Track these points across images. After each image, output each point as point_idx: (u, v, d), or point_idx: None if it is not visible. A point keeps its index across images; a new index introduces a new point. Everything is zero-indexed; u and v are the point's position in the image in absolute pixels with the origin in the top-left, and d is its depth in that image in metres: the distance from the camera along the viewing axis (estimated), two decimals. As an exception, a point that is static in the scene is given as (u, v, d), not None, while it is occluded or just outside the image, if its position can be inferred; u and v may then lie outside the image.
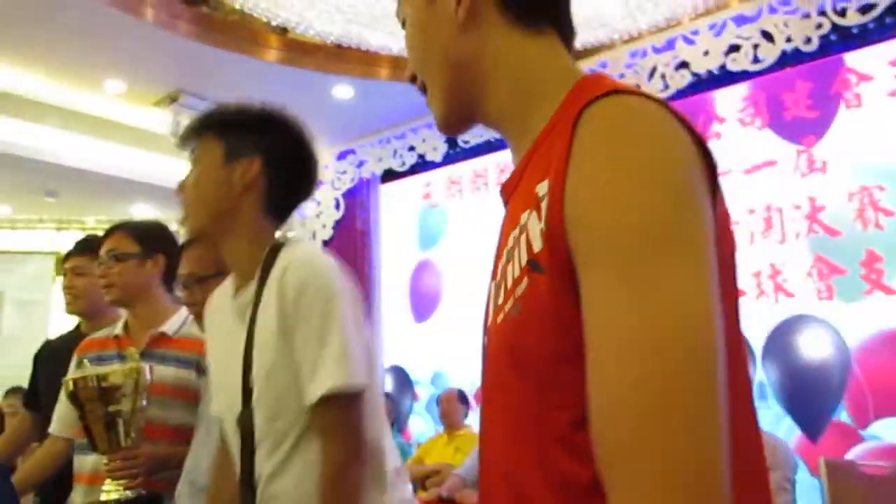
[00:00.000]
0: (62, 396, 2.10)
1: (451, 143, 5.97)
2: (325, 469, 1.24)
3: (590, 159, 0.63)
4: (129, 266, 2.08)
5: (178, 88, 5.40)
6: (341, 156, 6.61)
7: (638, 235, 0.60)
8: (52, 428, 2.15)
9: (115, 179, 6.02)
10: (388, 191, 6.65)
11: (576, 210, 0.63)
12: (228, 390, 1.36)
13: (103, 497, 1.75)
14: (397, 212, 6.52)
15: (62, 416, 2.14)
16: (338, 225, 6.75)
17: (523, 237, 0.70)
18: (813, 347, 4.14)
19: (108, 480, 1.78)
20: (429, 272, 6.10)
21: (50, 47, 4.82)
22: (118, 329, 2.13)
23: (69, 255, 2.52)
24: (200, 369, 2.01)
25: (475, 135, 5.82)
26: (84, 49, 4.83)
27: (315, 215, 6.90)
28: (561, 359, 0.65)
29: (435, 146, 5.99)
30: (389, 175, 6.47)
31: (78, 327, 2.55)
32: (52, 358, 2.55)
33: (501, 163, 5.72)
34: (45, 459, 2.16)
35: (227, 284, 1.48)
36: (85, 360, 1.93)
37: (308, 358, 1.25)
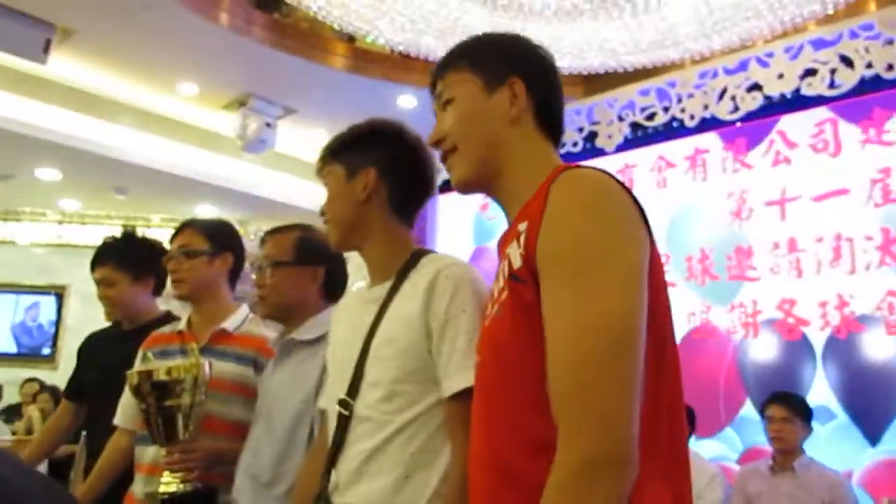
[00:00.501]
0: (126, 389, 2.14)
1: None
2: (456, 463, 1.28)
3: (554, 207, 0.96)
4: (199, 262, 2.11)
5: (248, 92, 5.53)
6: (401, 165, 6.66)
7: (578, 256, 0.92)
8: (116, 419, 2.19)
9: (182, 179, 6.18)
10: (445, 201, 6.65)
11: (543, 239, 0.95)
12: (342, 374, 1.43)
13: (161, 489, 1.78)
14: (453, 223, 6.51)
15: (126, 408, 2.18)
16: (393, 233, 6.77)
17: (506, 262, 1.02)
18: (875, 347, 4.00)
19: (166, 472, 1.81)
20: (485, 257, 6.08)
21: (128, 49, 5.00)
22: (182, 325, 2.16)
23: (94, 266, 2.51)
24: (258, 366, 2.04)
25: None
26: (160, 51, 4.99)
27: (372, 223, 6.95)
28: (528, 342, 0.94)
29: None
30: (448, 185, 6.46)
31: (119, 322, 2.59)
32: (93, 350, 2.59)
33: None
34: (115, 456, 2.18)
35: (361, 286, 1.60)
36: (149, 354, 1.97)
37: (457, 351, 1.31)
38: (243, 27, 4.72)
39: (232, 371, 2.02)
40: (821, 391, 4.09)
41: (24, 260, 7.87)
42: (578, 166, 1.03)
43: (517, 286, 0.97)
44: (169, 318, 2.50)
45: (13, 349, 7.75)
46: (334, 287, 1.95)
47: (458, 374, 1.29)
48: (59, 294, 7.86)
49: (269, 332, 2.19)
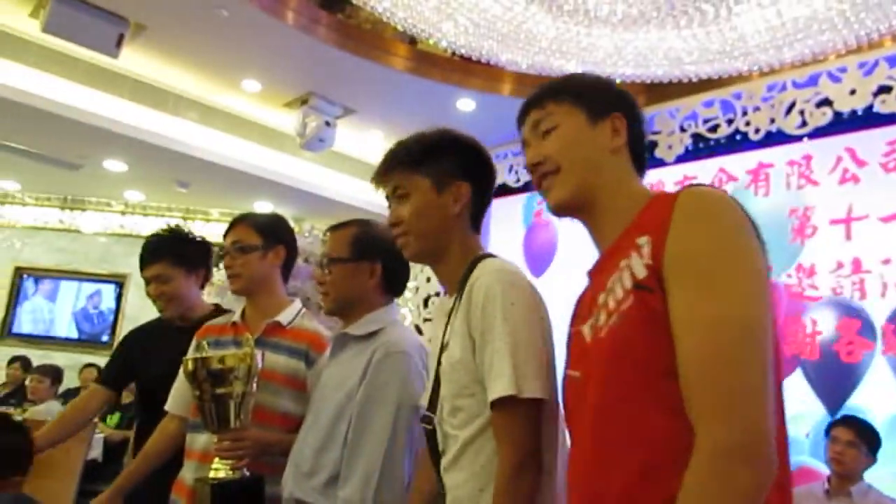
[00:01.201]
0: (180, 376, 2.18)
1: (569, 165, 5.91)
2: (498, 473, 1.31)
3: (685, 220, 1.04)
4: (253, 257, 2.14)
5: (309, 91, 5.60)
6: (457, 169, 6.66)
7: (711, 259, 1.00)
8: (168, 406, 2.24)
9: (242, 175, 6.28)
10: (499, 205, 6.64)
11: (674, 248, 1.02)
12: (426, 389, 1.51)
13: (211, 474, 1.81)
14: (507, 227, 6.49)
15: (177, 394, 2.22)
16: (447, 237, 6.79)
17: (626, 273, 1.08)
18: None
19: (216, 459, 1.84)
20: (540, 231, 6.04)
21: (197, 45, 5.11)
22: (236, 316, 2.20)
23: (147, 265, 2.49)
24: (310, 360, 2.07)
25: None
26: (227, 49, 5.09)
27: (425, 226, 6.97)
28: (656, 347, 1.00)
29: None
30: (503, 190, 6.45)
31: (169, 318, 2.55)
32: (148, 344, 2.58)
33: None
34: (162, 440, 2.22)
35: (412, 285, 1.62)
36: (203, 343, 2.01)
37: (492, 362, 1.33)
38: (309, 26, 4.78)
39: (284, 364, 2.05)
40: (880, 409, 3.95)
41: (88, 248, 8.12)
42: (699, 185, 1.12)
43: (644, 295, 1.04)
44: (218, 311, 2.53)
45: (74, 335, 8.00)
46: (393, 282, 1.96)
47: (498, 381, 1.30)
48: (120, 283, 8.08)
49: (322, 327, 2.21)
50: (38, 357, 6.84)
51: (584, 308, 1.20)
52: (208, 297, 5.74)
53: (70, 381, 6.59)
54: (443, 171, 1.52)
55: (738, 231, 1.03)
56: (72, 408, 2.67)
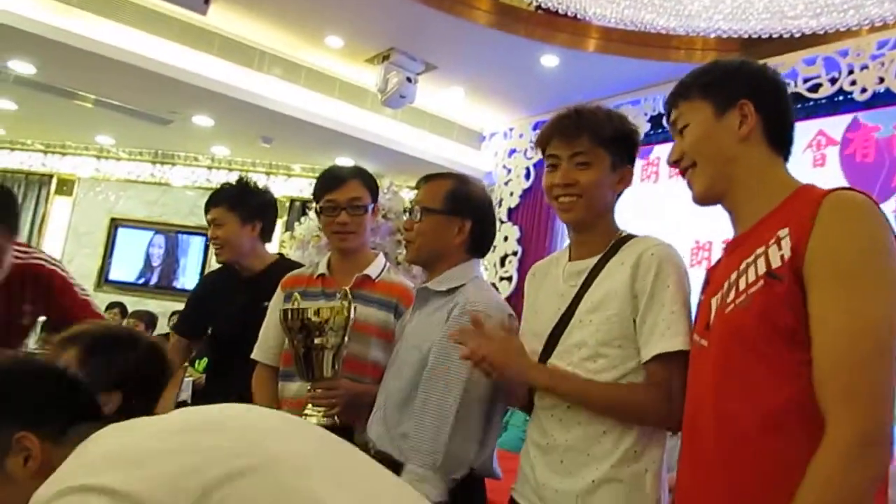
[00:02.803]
0: (266, 325, 2.24)
1: (655, 123, 5.69)
2: (654, 408, 1.48)
3: (831, 221, 1.12)
4: (366, 216, 2.19)
5: (391, 47, 5.58)
6: (537, 126, 6.56)
7: (853, 264, 1.09)
8: (255, 354, 2.26)
9: (324, 130, 6.35)
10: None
11: (818, 247, 1.11)
12: (538, 335, 1.63)
13: (304, 419, 1.86)
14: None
15: (264, 345, 2.25)
16: (525, 193, 6.75)
17: (761, 260, 1.18)
18: None
19: (309, 405, 1.89)
20: None
21: (282, 1, 5.15)
22: (322, 268, 2.22)
23: (208, 207, 2.64)
24: (398, 313, 2.11)
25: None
26: (312, 4, 5.13)
27: (504, 182, 6.94)
28: (777, 331, 1.13)
29: (636, 124, 5.72)
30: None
31: (231, 267, 2.67)
32: (217, 294, 2.68)
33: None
34: (267, 391, 2.21)
35: (558, 255, 1.77)
36: (296, 294, 2.05)
37: (660, 322, 1.47)
38: (393, -20, 4.74)
39: (375, 316, 2.09)
40: None
41: (177, 201, 8.40)
42: (846, 188, 1.19)
43: (773, 282, 1.15)
44: (283, 260, 2.63)
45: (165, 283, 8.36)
46: (479, 242, 1.95)
47: (659, 342, 1.46)
48: (206, 235, 8.32)
49: (407, 280, 2.23)
50: (132, 304, 7.18)
51: (716, 280, 1.32)
52: (291, 250, 5.89)
53: (160, 327, 6.91)
54: (621, 155, 1.64)
55: (882, 238, 1.11)
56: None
